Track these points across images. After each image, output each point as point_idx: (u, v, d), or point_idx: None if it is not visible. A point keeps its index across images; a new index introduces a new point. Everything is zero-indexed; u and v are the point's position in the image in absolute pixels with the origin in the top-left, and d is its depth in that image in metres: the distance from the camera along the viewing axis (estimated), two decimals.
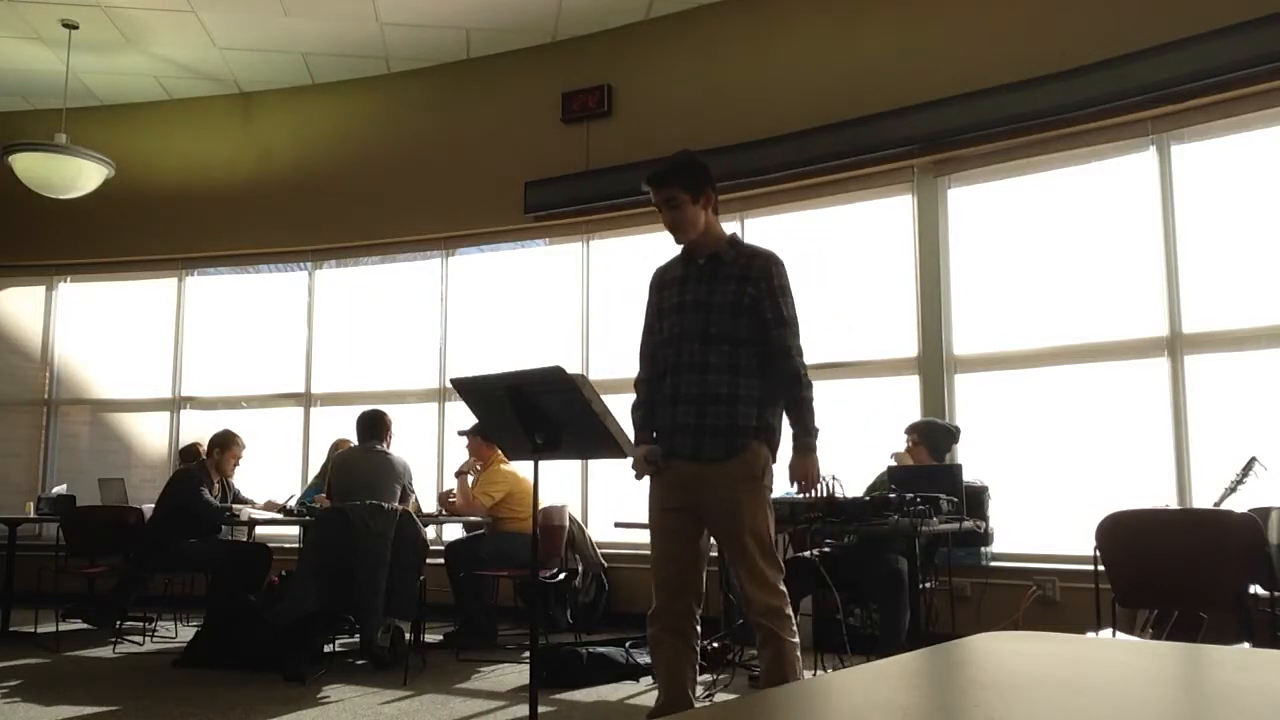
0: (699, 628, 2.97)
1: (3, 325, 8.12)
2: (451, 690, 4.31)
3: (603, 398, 2.63)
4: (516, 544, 5.27)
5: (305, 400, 7.47)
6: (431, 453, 6.98)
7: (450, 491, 5.79)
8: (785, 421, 2.99)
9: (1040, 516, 5.13)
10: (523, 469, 5.36)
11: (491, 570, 5.27)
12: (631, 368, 3.17)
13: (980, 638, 1.20)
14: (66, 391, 8.00)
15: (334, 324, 7.53)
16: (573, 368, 2.63)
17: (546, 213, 6.70)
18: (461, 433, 5.74)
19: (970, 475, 4.59)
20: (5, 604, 5.89)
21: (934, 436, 4.73)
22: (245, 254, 7.72)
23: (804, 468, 2.94)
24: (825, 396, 5.65)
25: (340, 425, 6.50)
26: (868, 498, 3.87)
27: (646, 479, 3.02)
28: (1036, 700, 0.87)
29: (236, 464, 5.89)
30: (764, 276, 2.93)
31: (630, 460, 2.94)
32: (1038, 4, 5.39)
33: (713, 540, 3.02)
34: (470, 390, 2.93)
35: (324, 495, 5.37)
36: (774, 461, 2.98)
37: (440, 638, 5.64)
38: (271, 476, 6.99)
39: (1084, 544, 3.31)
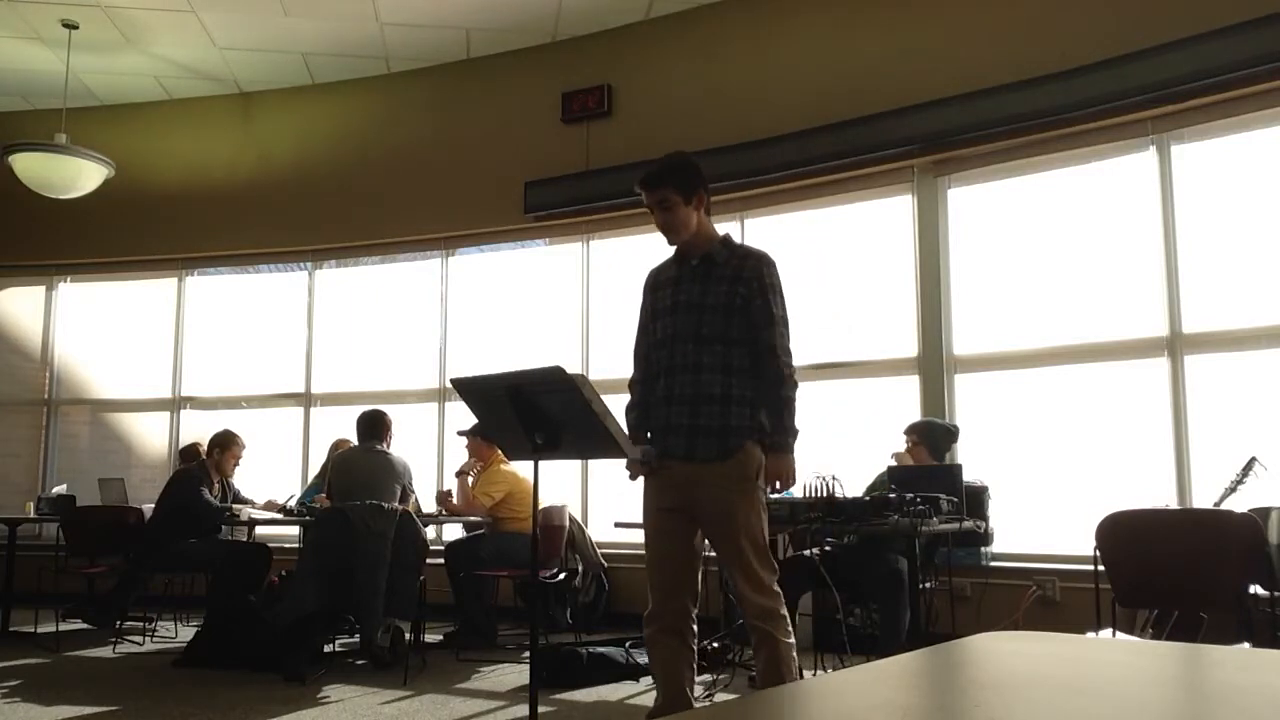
0: (696, 628, 2.96)
1: (3, 325, 8.12)
2: (451, 690, 4.31)
3: (602, 398, 2.63)
4: (516, 544, 5.28)
5: (305, 400, 7.47)
6: (431, 453, 6.99)
7: (447, 491, 5.79)
8: None
9: (1040, 516, 5.13)
10: (523, 469, 5.36)
11: (491, 570, 5.27)
12: (631, 368, 3.17)
13: (980, 638, 1.20)
14: (66, 391, 8.00)
15: (334, 324, 7.53)
16: (573, 368, 2.62)
17: (546, 213, 6.70)
18: (461, 433, 5.74)
19: (970, 475, 4.60)
20: (5, 604, 5.89)
21: (934, 436, 4.73)
22: (245, 254, 7.72)
23: (779, 468, 2.89)
24: (825, 396, 5.77)
25: (340, 425, 6.50)
26: (868, 498, 3.88)
27: (641, 479, 3.02)
28: (1036, 700, 0.87)
29: (236, 464, 5.90)
30: (755, 276, 2.92)
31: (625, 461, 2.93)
32: (1038, 4, 5.39)
33: (707, 541, 3.01)
34: (470, 390, 2.92)
35: (324, 495, 5.37)
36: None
37: (440, 638, 5.64)
38: (271, 476, 6.99)
39: (1084, 544, 3.31)
